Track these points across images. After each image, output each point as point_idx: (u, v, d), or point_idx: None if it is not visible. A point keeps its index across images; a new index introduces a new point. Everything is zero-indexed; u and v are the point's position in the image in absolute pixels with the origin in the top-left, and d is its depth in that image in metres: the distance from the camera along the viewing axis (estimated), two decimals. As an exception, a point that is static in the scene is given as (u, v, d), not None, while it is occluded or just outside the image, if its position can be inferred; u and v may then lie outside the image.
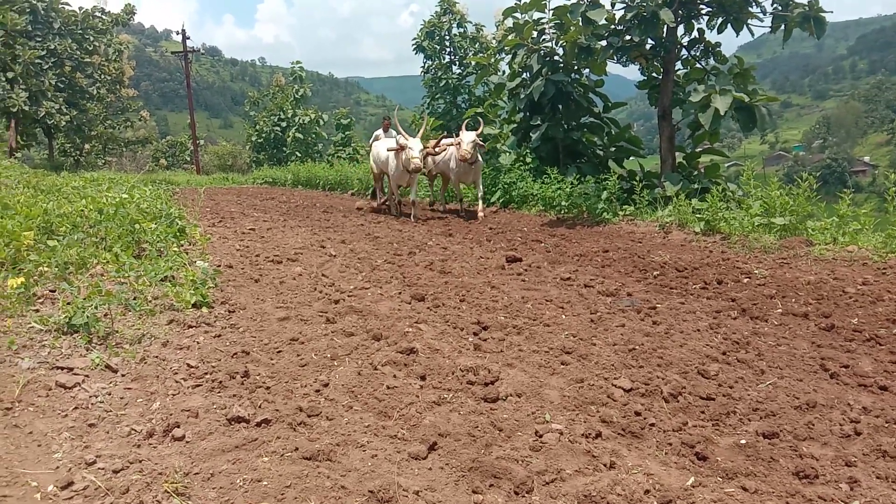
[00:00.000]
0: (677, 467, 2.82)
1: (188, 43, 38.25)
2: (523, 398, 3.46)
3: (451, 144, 12.35)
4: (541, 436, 3.01)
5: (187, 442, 2.86)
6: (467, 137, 11.66)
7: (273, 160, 36.45)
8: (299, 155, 34.84)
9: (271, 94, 39.79)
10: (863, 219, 7.43)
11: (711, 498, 2.54)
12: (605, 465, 2.77)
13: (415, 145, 11.38)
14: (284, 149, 36.72)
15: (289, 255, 7.39)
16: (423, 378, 3.71)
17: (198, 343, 4.17)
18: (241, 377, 3.59)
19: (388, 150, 12.07)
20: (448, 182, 13.75)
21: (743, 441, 3.00)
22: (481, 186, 12.52)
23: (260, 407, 3.23)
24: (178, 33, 38.47)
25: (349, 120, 34.47)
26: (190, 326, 4.46)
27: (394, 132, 13.73)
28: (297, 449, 2.79)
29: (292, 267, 6.77)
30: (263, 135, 37.77)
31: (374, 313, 4.98)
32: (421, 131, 12.17)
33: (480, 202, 12.28)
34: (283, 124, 37.20)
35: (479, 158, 12.24)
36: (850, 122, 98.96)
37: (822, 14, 10.31)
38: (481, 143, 12.10)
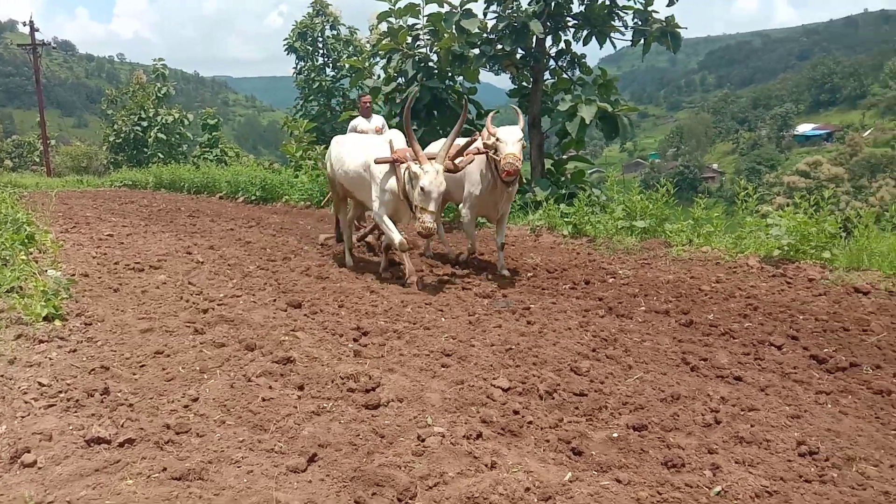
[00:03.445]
0: (555, 463, 2.89)
1: (37, 35, 35.30)
2: (405, 403, 3.43)
3: (480, 153, 6.73)
4: (423, 440, 2.99)
5: (39, 468, 2.60)
6: (511, 136, 6.40)
7: (133, 162, 34.36)
8: (162, 156, 33.00)
9: (131, 93, 37.50)
10: (715, 221, 8.03)
11: (588, 492, 2.63)
12: (486, 466, 2.80)
13: (428, 179, 5.92)
14: (146, 150, 34.69)
15: (151, 263, 6.97)
16: (301, 388, 3.59)
17: (50, 359, 3.83)
18: (101, 395, 3.33)
19: (375, 161, 6.48)
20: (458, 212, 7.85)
21: (615, 434, 3.14)
22: (505, 224, 7.36)
23: (122, 426, 2.99)
24: (25, 24, 35.44)
25: (216, 120, 33.03)
26: (41, 341, 4.09)
27: (376, 123, 9.22)
28: (164, 469, 2.62)
29: (155, 275, 6.39)
30: (122, 135, 35.49)
31: (247, 322, 4.78)
32: (446, 144, 6.39)
33: (502, 251, 7.12)
34: (144, 124, 35.14)
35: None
36: (700, 132, 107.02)
37: (678, 30, 11.09)
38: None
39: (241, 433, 3.02)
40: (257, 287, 6.06)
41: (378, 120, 9.45)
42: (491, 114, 7.53)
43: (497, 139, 6.46)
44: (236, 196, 17.41)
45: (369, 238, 8.44)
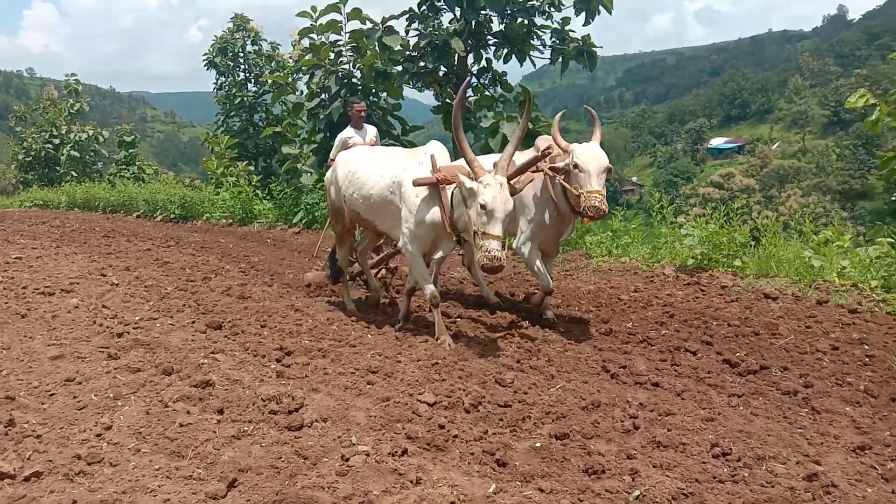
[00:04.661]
0: (479, 476, 2.91)
1: (-67, 47, 33.41)
2: (329, 423, 3.39)
3: (543, 170, 5.37)
4: (347, 459, 2.96)
5: (-68, 510, 2.44)
6: (594, 163, 5.14)
7: (44, 181, 32.84)
8: (75, 175, 31.70)
9: (41, 109, 35.86)
10: (632, 233, 8.32)
11: (512, 502, 2.66)
12: (411, 482, 2.79)
13: (491, 194, 4.46)
14: (58, 168, 33.23)
15: (63, 286, 6.64)
16: (220, 412, 3.49)
17: (-53, 392, 3.60)
18: (5, 427, 3.15)
19: (413, 183, 4.98)
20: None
21: (538, 444, 3.19)
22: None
23: (29, 458, 2.84)
24: (-81, 36, 33.45)
25: (133, 137, 32.02)
26: (-64, 373, 3.84)
27: (370, 135, 7.61)
28: (75, 502, 2.50)
29: (67, 299, 6.10)
30: (32, 153, 33.86)
31: (164, 345, 4.61)
32: (506, 154, 4.81)
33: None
34: (56, 141, 33.63)
35: None
36: (619, 147, 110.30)
37: (594, 49, 11.50)
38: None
39: (157, 461, 2.91)
40: (175, 309, 5.86)
41: (371, 131, 7.73)
42: (558, 116, 5.99)
43: (576, 166, 5.10)
44: (154, 215, 16.88)
45: (381, 272, 6.96)
